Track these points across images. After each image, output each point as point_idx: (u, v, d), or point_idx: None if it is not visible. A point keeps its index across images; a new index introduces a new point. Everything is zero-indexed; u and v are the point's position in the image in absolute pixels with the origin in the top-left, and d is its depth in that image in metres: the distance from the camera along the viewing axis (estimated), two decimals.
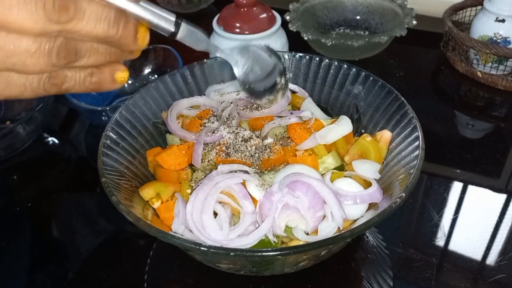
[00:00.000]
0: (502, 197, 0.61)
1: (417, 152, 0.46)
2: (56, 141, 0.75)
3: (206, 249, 0.38)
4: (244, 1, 0.69)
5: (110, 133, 0.51)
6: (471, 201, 0.60)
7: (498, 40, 0.75)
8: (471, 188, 0.62)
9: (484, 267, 0.52)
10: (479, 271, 0.52)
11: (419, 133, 0.48)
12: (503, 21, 0.75)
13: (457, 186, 0.62)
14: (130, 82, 0.80)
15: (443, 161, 0.66)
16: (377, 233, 0.56)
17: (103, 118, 0.67)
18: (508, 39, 0.75)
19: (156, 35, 1.00)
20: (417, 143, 0.47)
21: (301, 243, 0.45)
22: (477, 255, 0.53)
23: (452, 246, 0.55)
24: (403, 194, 0.42)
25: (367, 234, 0.56)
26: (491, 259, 0.53)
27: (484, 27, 0.76)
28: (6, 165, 0.69)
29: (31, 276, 0.54)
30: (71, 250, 0.57)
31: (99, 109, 0.67)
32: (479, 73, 0.78)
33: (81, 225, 0.61)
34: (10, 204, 0.64)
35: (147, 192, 0.49)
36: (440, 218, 0.57)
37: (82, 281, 0.53)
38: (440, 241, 0.55)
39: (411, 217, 0.59)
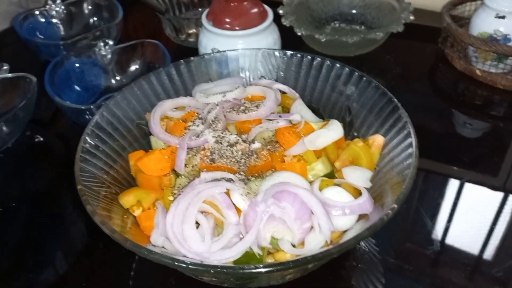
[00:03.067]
0: (500, 196, 0.59)
1: (410, 160, 0.44)
2: (40, 139, 0.73)
3: (184, 265, 0.36)
4: None
5: (89, 137, 0.49)
6: (468, 202, 0.58)
7: (498, 38, 0.73)
8: (468, 189, 0.60)
9: (481, 276, 0.50)
10: (476, 276, 0.50)
11: (413, 139, 0.46)
12: (503, 17, 0.72)
13: (453, 187, 0.60)
14: (118, 78, 0.77)
15: (439, 160, 0.64)
16: (369, 239, 0.54)
17: (88, 116, 0.65)
18: (508, 36, 0.72)
19: (143, 30, 0.96)
20: (410, 150, 0.45)
21: (287, 255, 0.43)
22: (474, 262, 0.52)
23: (447, 252, 0.52)
24: (395, 206, 0.40)
25: None
26: (488, 269, 0.51)
27: (484, 23, 0.74)
28: None
29: (9, 281, 0.52)
30: (53, 255, 0.55)
31: (83, 107, 0.64)
32: (478, 71, 0.76)
33: (64, 228, 0.59)
34: None
35: (127, 199, 0.47)
36: (435, 221, 0.55)
37: None
38: (435, 249, 0.53)
39: (404, 220, 0.57)
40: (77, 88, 0.73)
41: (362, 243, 0.53)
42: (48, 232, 0.58)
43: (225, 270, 0.36)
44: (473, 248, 0.53)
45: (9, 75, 0.72)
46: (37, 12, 0.88)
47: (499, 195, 0.59)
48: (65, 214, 0.60)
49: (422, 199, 0.59)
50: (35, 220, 0.60)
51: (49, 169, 0.68)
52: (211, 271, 0.36)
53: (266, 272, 0.36)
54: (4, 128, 0.67)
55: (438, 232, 0.54)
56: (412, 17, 0.77)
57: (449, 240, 0.54)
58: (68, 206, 0.61)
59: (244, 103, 0.54)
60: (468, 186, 0.60)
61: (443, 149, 0.66)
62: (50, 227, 0.59)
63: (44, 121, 0.76)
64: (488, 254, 0.52)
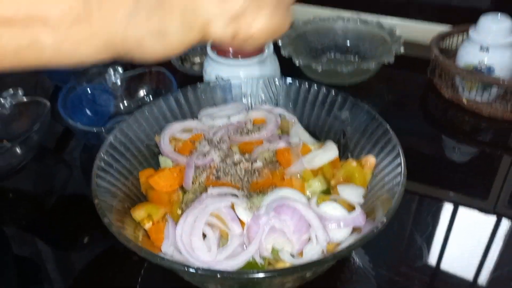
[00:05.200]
0: (489, 218, 0.62)
1: (399, 179, 0.48)
2: (52, 160, 0.77)
3: (194, 271, 0.40)
4: None
5: (104, 156, 0.53)
6: (457, 223, 0.61)
7: (482, 69, 0.78)
8: (458, 210, 0.63)
9: None
10: None
11: (401, 160, 0.50)
12: (487, 50, 0.77)
13: (444, 208, 0.64)
14: (126, 103, 0.82)
15: (430, 183, 0.68)
16: (364, 254, 0.58)
17: (99, 138, 0.69)
18: (491, 67, 0.78)
19: None
20: (399, 169, 0.49)
21: (287, 265, 0.46)
22: (464, 278, 0.55)
23: (438, 269, 0.56)
24: (385, 219, 0.44)
25: (353, 255, 0.57)
26: (479, 283, 0.54)
27: (469, 55, 0.79)
28: (2, 183, 0.71)
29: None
30: (62, 267, 0.58)
31: (95, 130, 0.68)
32: (464, 100, 0.81)
33: (73, 242, 0.62)
34: (4, 222, 0.65)
35: (138, 213, 0.50)
36: (427, 240, 0.59)
37: None
38: (426, 264, 0.56)
39: (397, 238, 0.60)
40: (87, 112, 0.78)
41: (357, 259, 0.57)
42: (58, 246, 0.62)
43: (231, 276, 0.39)
44: (461, 267, 0.56)
45: (25, 99, 0.77)
46: None
47: (489, 218, 0.62)
48: (74, 228, 0.63)
49: (414, 221, 0.62)
50: (45, 236, 0.63)
51: (59, 188, 0.72)
52: (218, 276, 0.39)
53: (269, 277, 0.39)
54: (19, 149, 0.71)
55: (428, 253, 0.57)
56: (402, 50, 0.83)
57: (441, 262, 0.56)
58: (78, 221, 0.65)
59: (247, 125, 0.59)
60: (457, 208, 0.63)
61: (434, 172, 0.70)
62: (59, 242, 0.62)
63: (53, 142, 0.80)
64: (481, 277, 0.55)
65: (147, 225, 0.50)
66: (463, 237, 0.60)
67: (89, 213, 0.64)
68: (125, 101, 0.82)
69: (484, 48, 0.77)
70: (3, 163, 0.70)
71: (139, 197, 0.55)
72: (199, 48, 0.88)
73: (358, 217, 0.47)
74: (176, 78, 0.77)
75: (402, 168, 0.49)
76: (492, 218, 0.62)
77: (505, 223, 0.61)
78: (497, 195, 0.66)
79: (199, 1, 0.29)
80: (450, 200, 0.64)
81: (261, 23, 0.30)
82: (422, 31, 0.96)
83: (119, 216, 0.49)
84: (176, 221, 0.49)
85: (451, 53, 0.88)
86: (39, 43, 0.26)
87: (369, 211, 0.50)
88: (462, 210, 0.63)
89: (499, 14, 0.77)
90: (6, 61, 0.27)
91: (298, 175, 0.52)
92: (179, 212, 0.50)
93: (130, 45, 0.29)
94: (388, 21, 0.96)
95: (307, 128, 0.63)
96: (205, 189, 0.51)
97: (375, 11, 0.96)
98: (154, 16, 0.28)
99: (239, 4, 0.29)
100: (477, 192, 0.66)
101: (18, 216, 0.66)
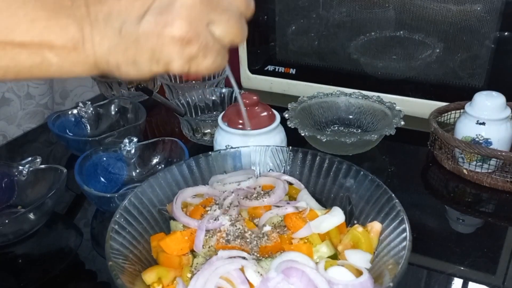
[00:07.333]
0: None
1: (404, 243, 0.49)
2: (63, 226, 0.78)
3: None
4: (247, 101, 0.76)
5: (119, 219, 0.55)
6: None
7: (480, 141, 0.81)
8: (466, 284, 0.63)
9: None
10: None
11: (406, 225, 0.52)
12: (483, 124, 0.81)
13: (451, 282, 0.63)
14: (138, 170, 0.85)
15: (436, 255, 0.68)
16: None
17: (111, 204, 0.71)
18: (489, 140, 0.81)
19: (163, 129, 1.07)
20: (404, 234, 0.51)
21: None
22: None
23: None
24: (391, 284, 0.45)
25: None
26: None
27: (467, 128, 0.83)
28: (13, 248, 0.72)
29: None
30: None
31: (108, 196, 0.71)
32: (465, 171, 0.83)
33: None
34: (13, 287, 0.66)
35: (149, 276, 0.51)
36: None
37: None
38: None
39: None
40: (102, 179, 0.81)
41: None
42: None
43: None
44: None
45: (42, 166, 0.80)
46: (69, 113, 0.99)
47: None
48: None
49: None
50: None
51: (70, 253, 0.72)
52: None
53: None
54: (33, 215, 0.72)
55: None
56: (402, 122, 0.87)
57: None
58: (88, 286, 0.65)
59: (256, 191, 0.61)
60: (467, 284, 0.63)
61: (438, 245, 0.70)
62: None
63: (64, 208, 0.82)
64: None
65: None
66: None
67: (96, 279, 0.65)
68: (137, 169, 0.85)
69: (480, 122, 0.81)
70: (16, 228, 0.72)
71: (150, 261, 0.56)
72: (210, 120, 0.93)
73: (366, 281, 0.48)
74: (188, 148, 0.81)
75: (407, 233, 0.50)
76: None
77: None
78: (505, 269, 0.66)
79: (164, 46, 0.38)
80: (458, 275, 0.64)
81: (207, 64, 0.41)
82: (420, 106, 1.01)
83: (131, 279, 0.50)
84: (186, 284, 0.49)
85: (449, 127, 0.92)
86: (47, 62, 0.37)
87: (376, 276, 0.50)
88: (470, 285, 0.63)
89: (493, 92, 0.82)
90: (22, 74, 0.38)
91: (306, 239, 0.54)
92: (189, 275, 0.51)
93: (112, 67, 0.39)
94: (388, 96, 1.02)
95: (313, 195, 0.65)
96: (215, 253, 0.53)
97: (375, 90, 1.02)
98: (130, 50, 0.38)
99: (194, 51, 0.39)
100: (484, 266, 0.66)
101: (26, 282, 0.67)
